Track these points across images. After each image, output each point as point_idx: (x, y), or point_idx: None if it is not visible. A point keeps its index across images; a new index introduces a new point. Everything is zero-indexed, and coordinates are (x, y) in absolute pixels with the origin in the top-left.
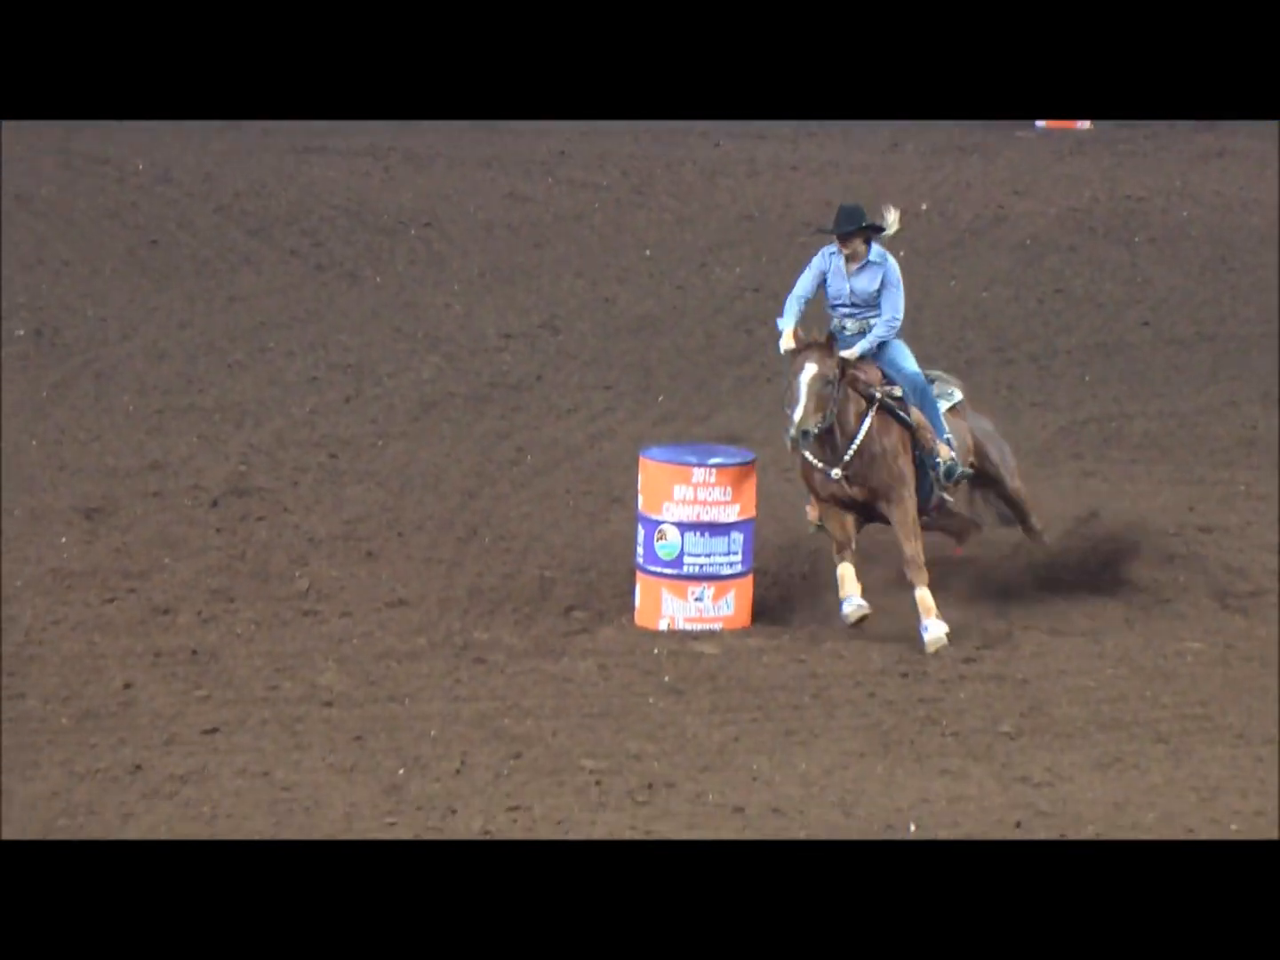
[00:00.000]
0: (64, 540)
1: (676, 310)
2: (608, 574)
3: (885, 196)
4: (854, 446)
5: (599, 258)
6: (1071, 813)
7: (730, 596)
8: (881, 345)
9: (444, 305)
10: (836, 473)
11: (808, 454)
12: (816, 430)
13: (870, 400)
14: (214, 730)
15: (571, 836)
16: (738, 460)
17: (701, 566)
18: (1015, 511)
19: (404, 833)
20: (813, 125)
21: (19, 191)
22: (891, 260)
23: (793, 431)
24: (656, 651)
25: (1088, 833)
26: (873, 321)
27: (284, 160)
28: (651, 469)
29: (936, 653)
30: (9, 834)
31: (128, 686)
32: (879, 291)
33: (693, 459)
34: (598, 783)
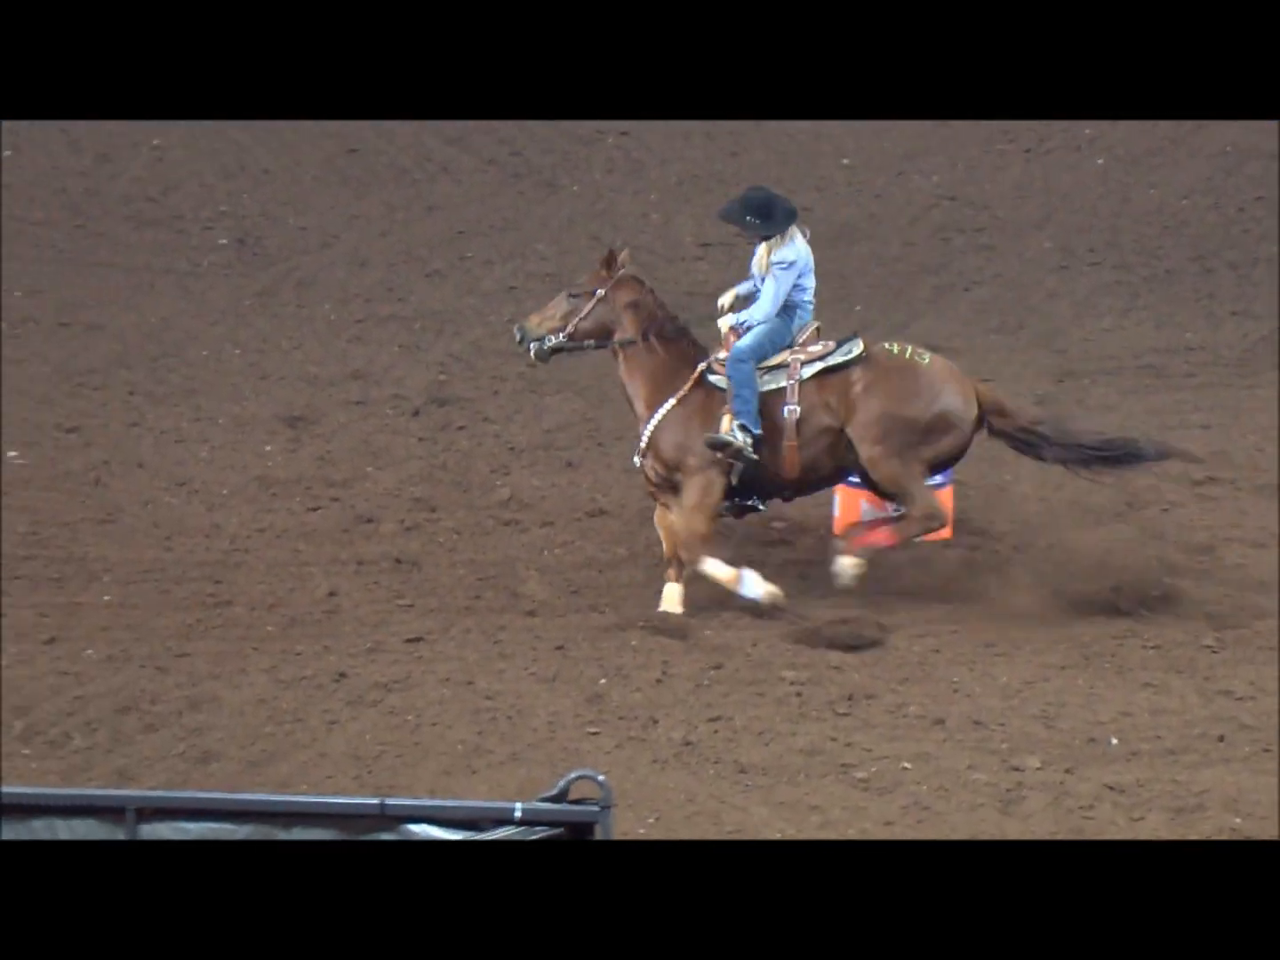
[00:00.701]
0: (268, 449)
1: (874, 218)
2: None
3: None
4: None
5: (797, 166)
6: (1275, 726)
7: None
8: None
9: (641, 214)
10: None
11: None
12: (551, 342)
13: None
14: (417, 639)
15: (772, 747)
16: None
17: None
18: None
19: (606, 743)
20: None
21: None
22: (787, 245)
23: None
24: None
25: None
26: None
27: None
28: None
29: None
30: (216, 743)
31: (332, 594)
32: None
33: None
34: (798, 694)
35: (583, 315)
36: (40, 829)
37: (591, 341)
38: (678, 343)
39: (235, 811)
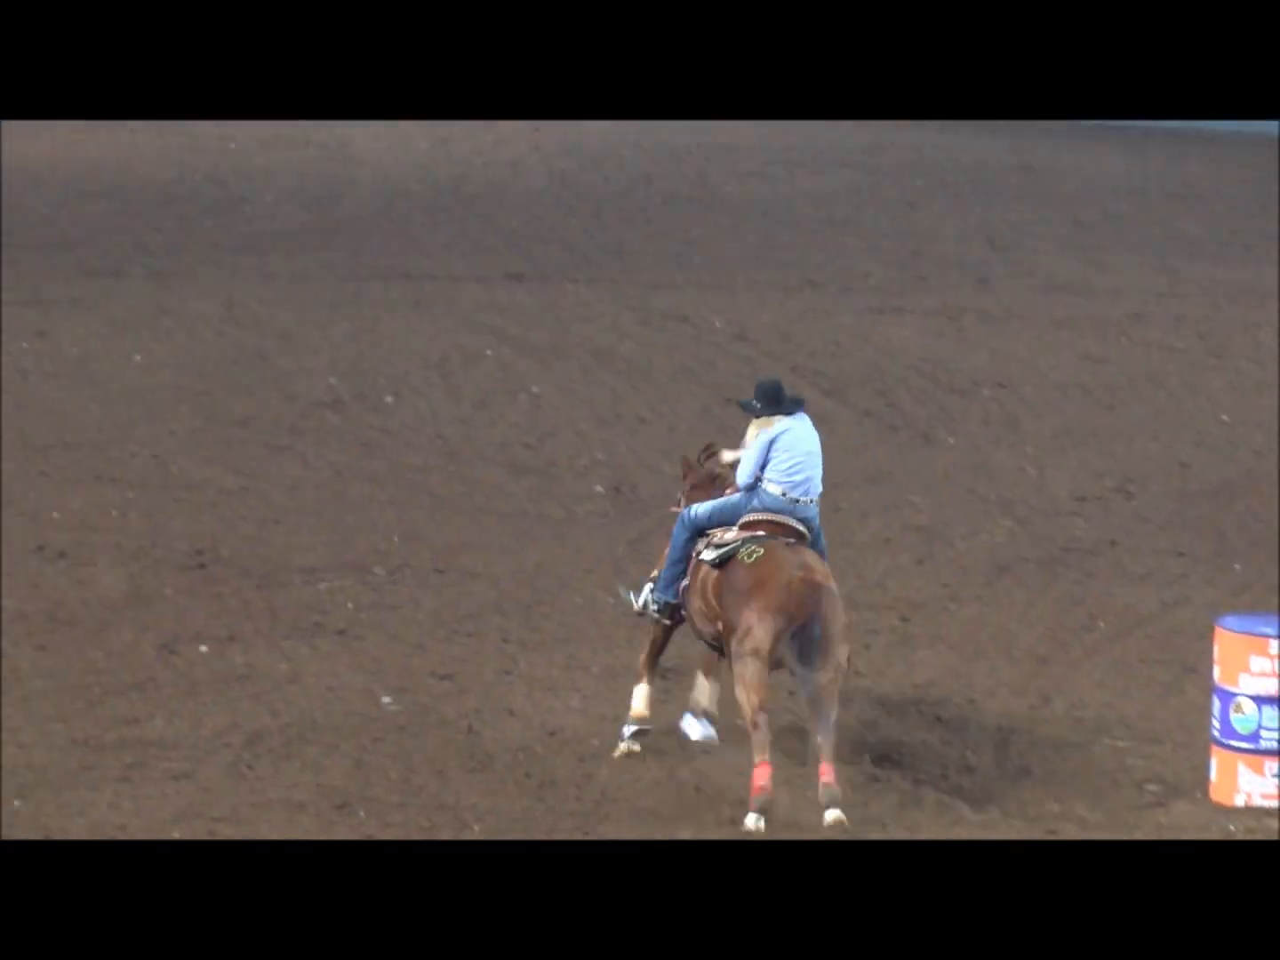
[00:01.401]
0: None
1: (1253, 475)
2: (1182, 746)
3: None
4: None
5: (1174, 421)
6: None
7: None
8: None
9: (1017, 467)
10: None
11: None
12: None
13: None
14: None
15: None
16: None
17: None
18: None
19: None
20: None
21: (599, 348)
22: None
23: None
24: (1233, 829)
25: None
26: None
27: (860, 320)
28: (1227, 639)
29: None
30: None
31: None
32: None
33: (1271, 630)
34: None
35: None
36: None
37: None
38: None
39: None
